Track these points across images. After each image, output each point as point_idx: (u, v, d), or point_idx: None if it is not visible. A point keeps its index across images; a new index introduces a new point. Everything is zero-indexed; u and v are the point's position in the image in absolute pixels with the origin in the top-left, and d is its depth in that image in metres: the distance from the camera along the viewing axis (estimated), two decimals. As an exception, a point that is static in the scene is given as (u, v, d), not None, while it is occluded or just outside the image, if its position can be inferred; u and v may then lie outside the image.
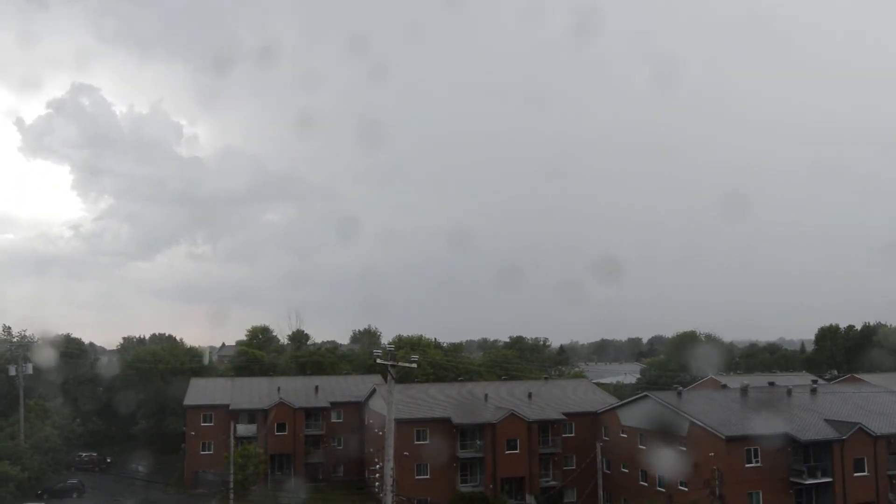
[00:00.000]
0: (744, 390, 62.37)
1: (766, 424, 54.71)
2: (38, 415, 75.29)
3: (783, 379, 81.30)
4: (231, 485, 58.68)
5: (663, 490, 57.06)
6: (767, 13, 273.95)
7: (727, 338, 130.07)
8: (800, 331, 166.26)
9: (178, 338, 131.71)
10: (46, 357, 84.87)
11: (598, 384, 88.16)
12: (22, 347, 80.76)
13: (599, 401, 71.77)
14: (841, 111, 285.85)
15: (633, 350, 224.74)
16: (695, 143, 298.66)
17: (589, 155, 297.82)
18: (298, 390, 79.88)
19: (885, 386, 69.61)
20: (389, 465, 37.33)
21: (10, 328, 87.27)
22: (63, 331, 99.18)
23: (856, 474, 53.05)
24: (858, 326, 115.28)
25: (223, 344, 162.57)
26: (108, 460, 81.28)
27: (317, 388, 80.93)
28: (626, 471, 61.99)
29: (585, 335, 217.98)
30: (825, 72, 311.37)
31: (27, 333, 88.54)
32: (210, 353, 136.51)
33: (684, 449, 55.20)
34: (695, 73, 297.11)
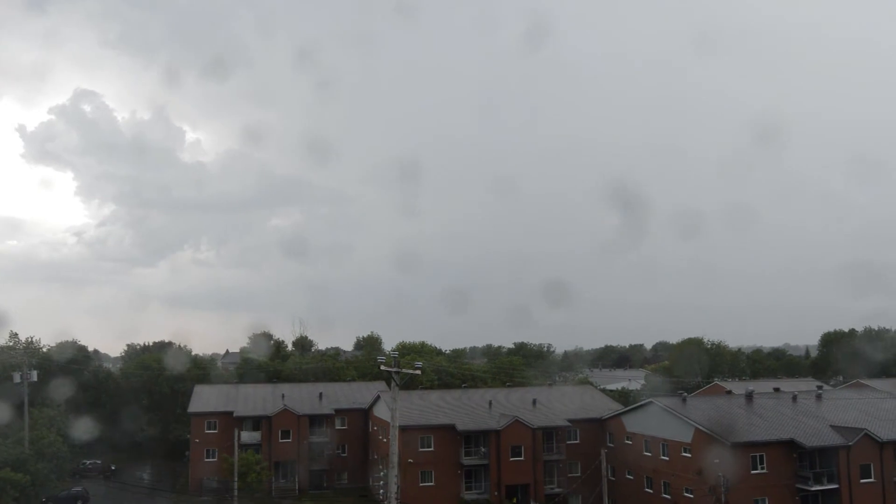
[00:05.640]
0: (749, 396, 62.25)
1: (771, 431, 54.62)
2: (43, 422, 75.34)
3: (788, 385, 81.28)
4: (235, 492, 58.74)
5: (669, 497, 56.92)
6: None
7: (732, 343, 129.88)
8: (805, 336, 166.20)
9: (182, 345, 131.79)
10: (51, 363, 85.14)
11: (602, 390, 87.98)
12: (27, 354, 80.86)
13: (604, 407, 71.63)
14: (843, 113, 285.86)
15: (637, 356, 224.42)
16: (696, 144, 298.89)
17: (589, 157, 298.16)
18: (302, 397, 79.82)
19: (891, 391, 69.46)
20: (394, 472, 37.31)
21: (16, 334, 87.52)
22: (67, 337, 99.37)
23: (862, 480, 52.83)
24: (862, 331, 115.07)
25: (227, 351, 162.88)
26: (113, 468, 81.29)
27: (321, 394, 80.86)
28: (632, 477, 61.84)
29: (589, 341, 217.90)
30: (825, 74, 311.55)
31: (33, 340, 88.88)
32: (214, 359, 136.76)
33: (689, 455, 55.05)
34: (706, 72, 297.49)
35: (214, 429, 75.00)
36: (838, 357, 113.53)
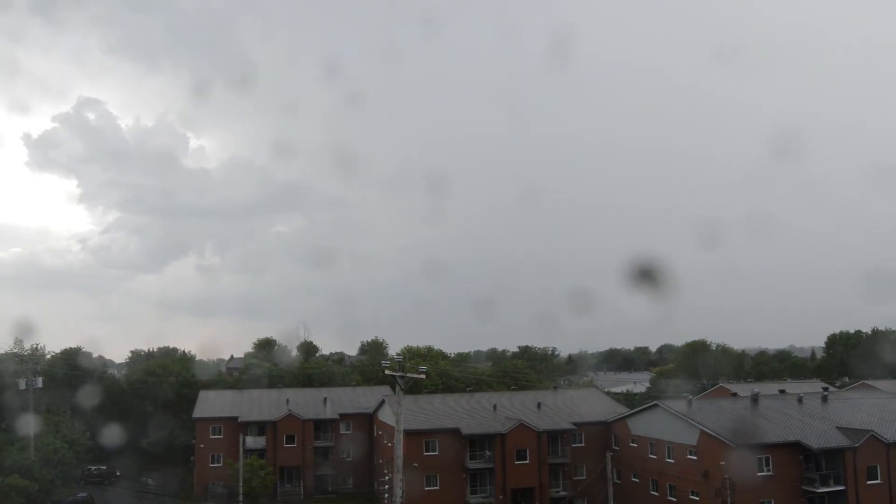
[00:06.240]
0: (754, 398, 62.02)
1: (777, 433, 54.42)
2: (49, 428, 75.48)
3: (794, 386, 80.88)
4: (240, 497, 58.74)
5: (674, 500, 56.73)
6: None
7: (737, 346, 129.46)
8: (810, 338, 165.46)
9: (186, 350, 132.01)
10: (56, 370, 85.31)
11: (607, 393, 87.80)
12: (32, 361, 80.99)
13: (609, 410, 71.44)
14: (843, 118, 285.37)
15: (642, 359, 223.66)
16: (698, 149, 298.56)
17: (594, 162, 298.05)
18: (307, 402, 79.84)
19: (898, 393, 69.13)
20: (398, 476, 37.29)
21: (21, 341, 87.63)
22: (72, 344, 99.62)
23: (869, 482, 52.59)
24: (869, 333, 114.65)
25: (231, 356, 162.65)
26: (118, 473, 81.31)
27: (325, 399, 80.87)
28: (637, 480, 61.66)
29: (594, 344, 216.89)
30: (827, 79, 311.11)
31: (38, 346, 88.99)
32: (219, 364, 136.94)
33: (695, 458, 54.88)
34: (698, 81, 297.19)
35: (219, 434, 75.02)
36: (844, 358, 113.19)
